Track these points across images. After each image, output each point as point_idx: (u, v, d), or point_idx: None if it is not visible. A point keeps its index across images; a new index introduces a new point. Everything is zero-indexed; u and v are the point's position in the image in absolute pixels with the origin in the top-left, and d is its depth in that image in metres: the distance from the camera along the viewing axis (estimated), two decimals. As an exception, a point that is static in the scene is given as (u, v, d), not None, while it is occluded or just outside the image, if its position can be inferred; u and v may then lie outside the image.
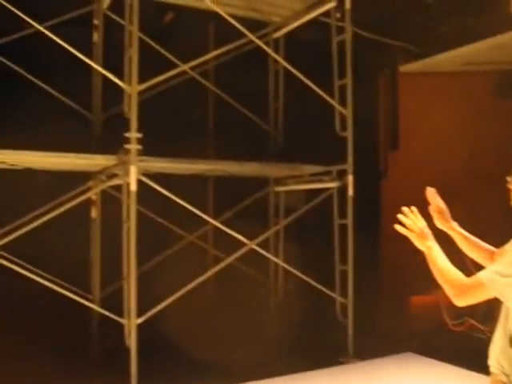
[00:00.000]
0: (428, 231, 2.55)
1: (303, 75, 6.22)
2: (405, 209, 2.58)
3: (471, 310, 2.72)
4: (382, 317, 6.95)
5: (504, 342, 2.47)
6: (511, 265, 2.29)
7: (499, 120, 8.26)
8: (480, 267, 2.61)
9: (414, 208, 2.58)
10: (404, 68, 8.70)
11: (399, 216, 2.57)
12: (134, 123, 5.18)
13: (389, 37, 8.28)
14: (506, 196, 2.62)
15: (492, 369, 2.55)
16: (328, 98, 6.31)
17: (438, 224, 2.90)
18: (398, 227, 2.54)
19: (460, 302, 2.39)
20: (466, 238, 2.90)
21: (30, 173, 6.23)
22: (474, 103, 8.40)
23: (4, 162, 5.43)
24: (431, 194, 2.88)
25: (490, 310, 2.61)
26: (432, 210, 2.88)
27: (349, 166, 6.30)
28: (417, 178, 8.28)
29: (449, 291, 2.41)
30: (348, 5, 6.32)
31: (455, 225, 2.92)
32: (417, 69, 8.68)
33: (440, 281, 2.45)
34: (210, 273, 5.86)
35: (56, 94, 6.35)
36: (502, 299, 2.37)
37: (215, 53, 6.14)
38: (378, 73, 8.82)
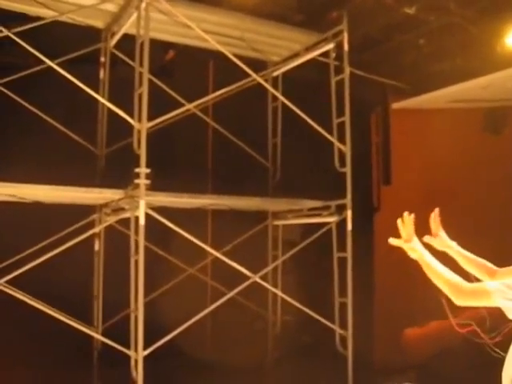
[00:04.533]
0: (416, 239, 2.90)
1: (301, 112, 6.42)
2: (405, 214, 2.93)
3: (477, 320, 3.00)
4: (379, 348, 7.09)
5: None
6: None
7: (488, 153, 8.58)
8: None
9: (412, 215, 2.93)
10: (396, 105, 9.00)
11: (398, 221, 2.94)
12: (143, 159, 5.33)
13: (381, 75, 8.58)
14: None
15: None
16: (327, 135, 6.52)
17: (438, 246, 3.16)
18: (391, 240, 2.93)
19: (460, 302, 2.63)
20: (464, 256, 3.15)
21: (33, 205, 6.32)
22: (463, 138, 8.70)
23: (14, 196, 5.54)
24: (435, 215, 3.17)
25: (496, 325, 2.86)
26: (432, 232, 3.15)
27: (348, 200, 6.49)
28: (409, 211, 8.57)
29: (448, 291, 2.65)
30: (346, 47, 6.58)
31: (454, 244, 3.19)
32: (408, 106, 8.98)
33: (438, 282, 2.72)
34: (212, 307, 5.94)
35: (62, 127, 6.47)
36: (504, 310, 2.56)
37: (219, 92, 6.32)
38: (370, 110, 9.11)
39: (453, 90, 8.21)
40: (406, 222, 2.94)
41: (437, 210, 3.18)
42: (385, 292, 8.22)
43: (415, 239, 2.90)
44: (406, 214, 2.94)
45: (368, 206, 8.84)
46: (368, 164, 9.00)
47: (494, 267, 3.07)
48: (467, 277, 2.83)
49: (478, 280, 2.92)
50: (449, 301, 2.71)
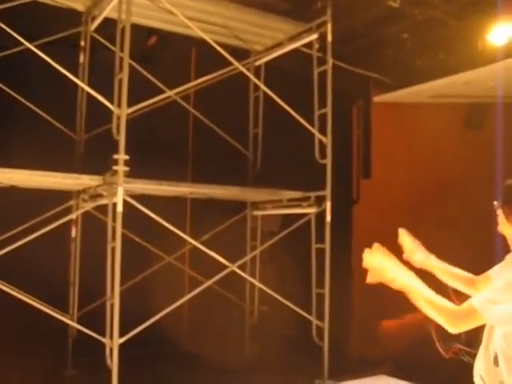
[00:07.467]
0: (396, 266, 2.61)
1: (283, 102, 6.40)
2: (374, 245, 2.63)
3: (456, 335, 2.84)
4: (356, 339, 7.13)
5: (488, 360, 2.59)
6: (502, 292, 2.44)
7: (468, 149, 8.65)
8: (461, 295, 2.78)
9: (377, 245, 2.63)
10: (377, 98, 9.02)
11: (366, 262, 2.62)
12: (122, 145, 5.27)
13: (364, 68, 8.58)
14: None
15: None
16: (308, 126, 6.51)
17: (416, 263, 2.97)
18: (369, 280, 2.62)
19: (455, 329, 2.51)
20: (444, 269, 3.00)
21: (9, 190, 6.21)
22: (444, 133, 8.76)
23: (-10, 180, 5.46)
24: (402, 235, 3.00)
25: (474, 334, 2.77)
26: (406, 254, 2.97)
27: (327, 192, 6.50)
28: (387, 205, 8.61)
29: (442, 320, 2.50)
30: (330, 37, 6.57)
31: (432, 258, 3.01)
32: (390, 99, 9.00)
33: (429, 311, 2.52)
34: (189, 296, 5.92)
35: (40, 112, 6.37)
36: (493, 324, 2.52)
37: (201, 80, 6.28)
38: (352, 102, 9.11)
39: (435, 84, 8.25)
40: (376, 252, 2.63)
41: (401, 231, 2.98)
42: (362, 284, 8.25)
43: (394, 266, 2.60)
44: (374, 245, 2.64)
45: (347, 199, 8.87)
46: (348, 156, 9.01)
47: (473, 276, 2.95)
48: (445, 292, 2.65)
49: (456, 294, 2.81)
50: (437, 328, 2.56)
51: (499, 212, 2.67)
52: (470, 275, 3.00)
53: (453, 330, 2.52)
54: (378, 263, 2.62)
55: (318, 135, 6.60)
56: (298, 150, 7.46)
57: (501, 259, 2.76)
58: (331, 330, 6.45)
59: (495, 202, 2.69)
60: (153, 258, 7.04)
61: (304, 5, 7.17)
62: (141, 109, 5.63)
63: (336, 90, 6.76)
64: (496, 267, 2.81)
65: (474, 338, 2.77)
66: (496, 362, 2.54)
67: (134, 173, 5.46)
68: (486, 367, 2.61)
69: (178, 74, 7.44)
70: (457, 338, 2.82)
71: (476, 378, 2.67)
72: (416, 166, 8.93)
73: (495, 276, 2.75)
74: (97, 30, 6.52)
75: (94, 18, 6.42)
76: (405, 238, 3.02)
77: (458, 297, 2.77)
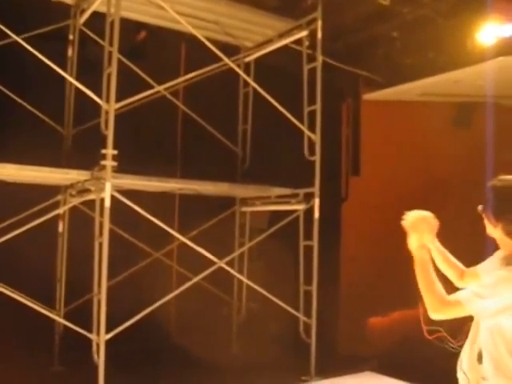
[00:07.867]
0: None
1: (272, 99, 6.39)
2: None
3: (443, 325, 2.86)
4: (343, 337, 7.14)
5: (472, 356, 2.60)
6: (490, 287, 2.46)
7: (457, 148, 8.68)
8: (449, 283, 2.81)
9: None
10: (367, 96, 9.02)
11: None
12: (110, 140, 5.25)
13: (354, 66, 8.58)
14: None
15: (460, 382, 2.69)
16: (298, 123, 6.51)
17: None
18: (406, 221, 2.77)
19: (436, 315, 2.54)
20: (443, 253, 2.98)
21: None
22: (433, 131, 8.77)
23: (-24, 174, 5.40)
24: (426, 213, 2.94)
25: (459, 325, 2.79)
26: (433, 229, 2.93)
27: (316, 189, 6.51)
28: (376, 203, 8.62)
29: (429, 303, 2.54)
30: (319, 34, 6.57)
31: (436, 241, 2.99)
32: (379, 97, 9.00)
33: (423, 289, 2.58)
34: (176, 292, 5.91)
35: (28, 106, 6.32)
36: (477, 317, 2.55)
37: (190, 75, 6.26)
38: (341, 100, 9.10)
39: (424, 83, 8.26)
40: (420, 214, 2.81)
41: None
42: (350, 281, 8.26)
43: (424, 229, 2.78)
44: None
45: (336, 196, 8.85)
46: (337, 154, 9.00)
47: (463, 267, 2.97)
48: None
49: (445, 282, 2.82)
50: (425, 310, 2.61)
51: (484, 215, 2.67)
52: (461, 266, 3.00)
53: (434, 315, 2.55)
54: (415, 220, 2.78)
55: (307, 132, 6.61)
56: (287, 147, 7.45)
57: (490, 255, 2.78)
58: (318, 327, 6.47)
59: (479, 207, 2.68)
60: (140, 254, 7.01)
61: (294, 1, 7.16)
62: (129, 104, 5.60)
63: (325, 87, 6.78)
64: (485, 262, 2.82)
65: (457, 328, 2.79)
66: (480, 358, 2.56)
67: (123, 168, 5.43)
68: (469, 363, 2.62)
69: (168, 69, 7.41)
70: (441, 323, 2.81)
71: (459, 374, 2.69)
72: (405, 163, 8.93)
73: (483, 272, 2.76)
74: (85, 24, 6.48)
75: (82, 12, 6.38)
76: (427, 215, 2.92)
77: (446, 284, 2.79)
